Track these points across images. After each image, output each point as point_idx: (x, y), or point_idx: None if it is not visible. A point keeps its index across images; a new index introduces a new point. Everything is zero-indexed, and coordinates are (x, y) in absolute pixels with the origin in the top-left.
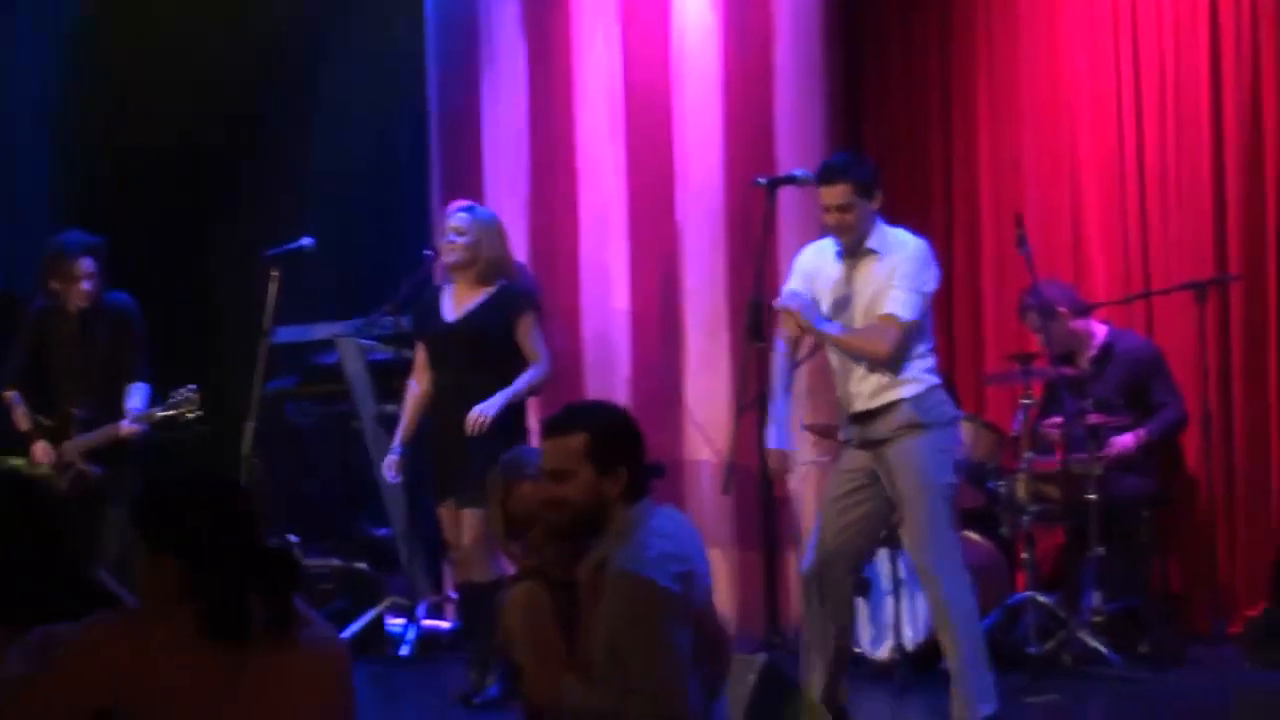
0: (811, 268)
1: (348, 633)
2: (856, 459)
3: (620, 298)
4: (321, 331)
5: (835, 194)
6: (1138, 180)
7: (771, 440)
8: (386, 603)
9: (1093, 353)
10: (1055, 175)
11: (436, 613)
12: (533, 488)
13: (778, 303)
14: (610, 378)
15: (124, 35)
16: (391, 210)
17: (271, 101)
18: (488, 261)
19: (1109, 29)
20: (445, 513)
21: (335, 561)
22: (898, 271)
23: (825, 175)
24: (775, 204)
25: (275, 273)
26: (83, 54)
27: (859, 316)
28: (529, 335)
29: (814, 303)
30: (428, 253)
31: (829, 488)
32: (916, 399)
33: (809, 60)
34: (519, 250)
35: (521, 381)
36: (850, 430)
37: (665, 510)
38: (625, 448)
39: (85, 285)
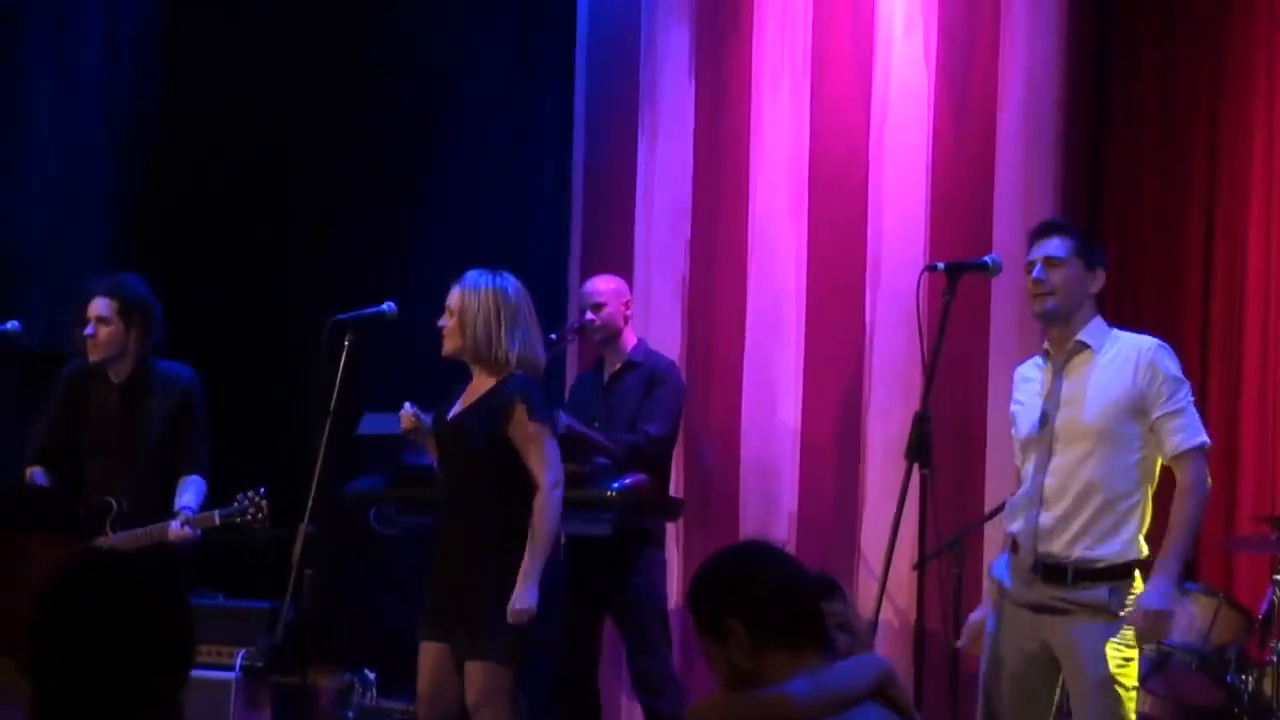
0: (1022, 380)
1: None
2: (1026, 625)
3: (789, 413)
4: None
5: (1047, 245)
6: None
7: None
8: None
9: None
10: None
11: None
12: None
13: None
14: (772, 511)
15: (201, 51)
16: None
17: (383, 138)
18: (484, 345)
19: None
20: (434, 652)
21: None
22: (1157, 384)
23: (1039, 229)
24: (955, 296)
25: (347, 342)
26: (153, 78)
27: (1064, 434)
28: (525, 447)
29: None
30: (552, 336)
31: (989, 657)
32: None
33: (1041, 135)
34: (670, 346)
35: (533, 541)
36: (1021, 580)
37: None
38: (730, 598)
39: (88, 330)
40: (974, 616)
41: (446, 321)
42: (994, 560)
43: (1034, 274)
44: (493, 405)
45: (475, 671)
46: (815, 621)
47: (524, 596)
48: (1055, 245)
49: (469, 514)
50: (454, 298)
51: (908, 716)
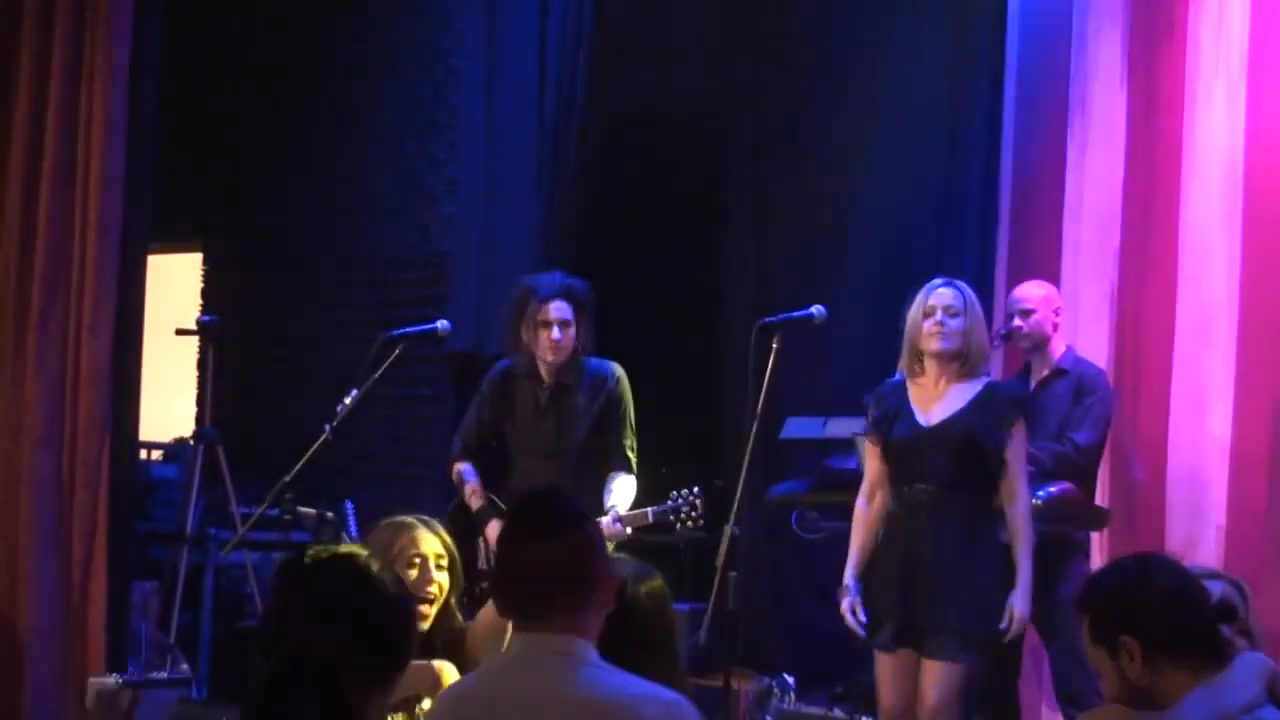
0: None
1: None
2: None
3: (1220, 423)
4: (839, 428)
5: None
6: None
7: None
8: None
9: None
10: None
11: None
12: None
13: None
14: (1200, 525)
15: (630, 52)
16: None
17: (815, 140)
18: (980, 346)
19: None
20: (898, 662)
21: (839, 715)
22: None
23: None
24: None
25: (775, 345)
26: (582, 79)
27: None
28: (1014, 453)
29: None
30: None
31: None
32: None
33: None
34: (1098, 354)
35: (1024, 550)
36: None
37: None
38: (1126, 614)
39: (555, 334)
40: None
41: (949, 321)
42: None
43: None
44: (989, 413)
45: (947, 673)
46: (1213, 642)
47: (1025, 603)
48: None
49: (956, 517)
50: (955, 298)
51: None
